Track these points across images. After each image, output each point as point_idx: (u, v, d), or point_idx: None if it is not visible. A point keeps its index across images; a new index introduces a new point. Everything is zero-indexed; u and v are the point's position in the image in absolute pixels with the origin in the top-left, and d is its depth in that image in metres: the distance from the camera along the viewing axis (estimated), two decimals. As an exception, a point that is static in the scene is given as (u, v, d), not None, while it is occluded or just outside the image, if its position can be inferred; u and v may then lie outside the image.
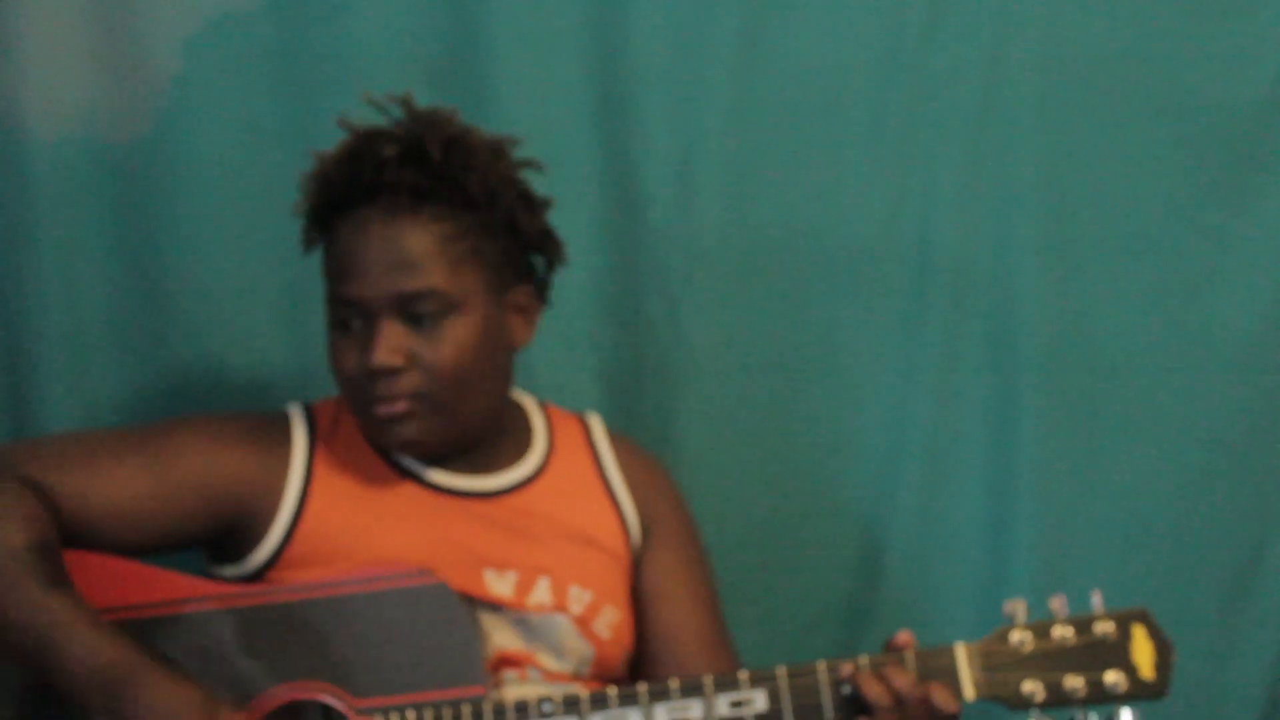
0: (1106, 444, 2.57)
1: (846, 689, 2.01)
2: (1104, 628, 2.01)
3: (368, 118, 2.17)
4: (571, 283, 2.30)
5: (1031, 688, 2.00)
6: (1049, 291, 2.55)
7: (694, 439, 2.55)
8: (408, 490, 2.20)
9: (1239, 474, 2.57)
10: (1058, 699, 2.00)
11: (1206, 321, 2.56)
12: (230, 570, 2.17)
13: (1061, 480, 2.56)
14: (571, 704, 2.03)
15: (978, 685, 2.01)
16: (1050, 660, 2.01)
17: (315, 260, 2.20)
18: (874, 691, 1.99)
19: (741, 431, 2.56)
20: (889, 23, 2.54)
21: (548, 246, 2.23)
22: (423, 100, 2.19)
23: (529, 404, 2.31)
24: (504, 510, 2.21)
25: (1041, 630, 2.01)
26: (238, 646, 2.07)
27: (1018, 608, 2.02)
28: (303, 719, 2.09)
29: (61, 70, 2.40)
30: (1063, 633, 2.01)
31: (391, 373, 2.11)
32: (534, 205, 2.20)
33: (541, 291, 2.23)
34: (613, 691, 2.02)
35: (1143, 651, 2.01)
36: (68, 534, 2.09)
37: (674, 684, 2.02)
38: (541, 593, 2.18)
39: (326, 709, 2.07)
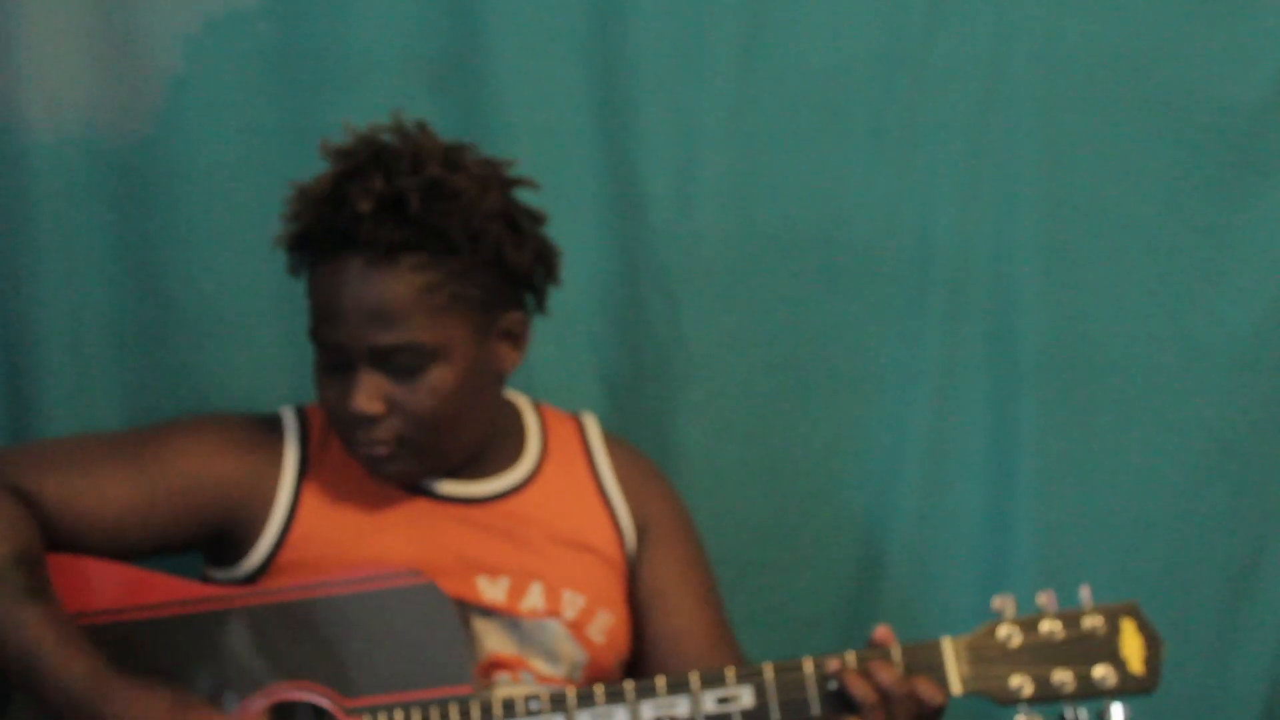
0: (1106, 443, 2.55)
1: (833, 685, 2.01)
2: (1092, 622, 2.00)
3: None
4: (571, 283, 2.29)
5: (1019, 682, 1.99)
6: (1049, 291, 2.54)
7: (694, 439, 2.54)
8: (400, 497, 2.19)
9: (1239, 473, 2.56)
10: (1046, 693, 1.99)
11: (1206, 321, 2.55)
12: (225, 574, 2.18)
13: (1061, 480, 2.55)
14: (558, 701, 2.02)
15: (965, 680, 2.00)
16: (1038, 654, 2.00)
17: (315, 261, 2.20)
18: (860, 689, 1.99)
19: (741, 432, 2.56)
20: (889, 22, 2.53)
21: (538, 272, 2.18)
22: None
23: (523, 404, 2.31)
24: (496, 516, 2.21)
25: (1029, 625, 2.01)
26: (230, 647, 2.08)
27: (1006, 603, 2.02)
28: (294, 719, 2.09)
29: (61, 70, 2.41)
30: (1051, 627, 2.00)
31: (371, 420, 2.10)
32: (523, 234, 2.14)
33: (539, 303, 2.21)
34: (599, 689, 2.02)
35: (1132, 645, 2.00)
36: (56, 540, 2.09)
37: (660, 681, 2.02)
38: (534, 598, 2.18)
39: (318, 709, 2.07)
